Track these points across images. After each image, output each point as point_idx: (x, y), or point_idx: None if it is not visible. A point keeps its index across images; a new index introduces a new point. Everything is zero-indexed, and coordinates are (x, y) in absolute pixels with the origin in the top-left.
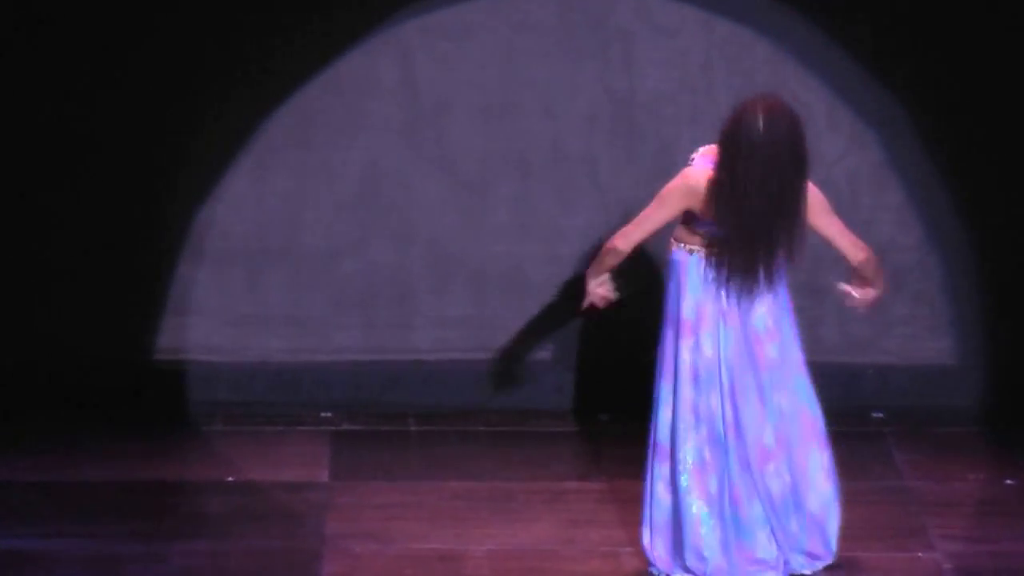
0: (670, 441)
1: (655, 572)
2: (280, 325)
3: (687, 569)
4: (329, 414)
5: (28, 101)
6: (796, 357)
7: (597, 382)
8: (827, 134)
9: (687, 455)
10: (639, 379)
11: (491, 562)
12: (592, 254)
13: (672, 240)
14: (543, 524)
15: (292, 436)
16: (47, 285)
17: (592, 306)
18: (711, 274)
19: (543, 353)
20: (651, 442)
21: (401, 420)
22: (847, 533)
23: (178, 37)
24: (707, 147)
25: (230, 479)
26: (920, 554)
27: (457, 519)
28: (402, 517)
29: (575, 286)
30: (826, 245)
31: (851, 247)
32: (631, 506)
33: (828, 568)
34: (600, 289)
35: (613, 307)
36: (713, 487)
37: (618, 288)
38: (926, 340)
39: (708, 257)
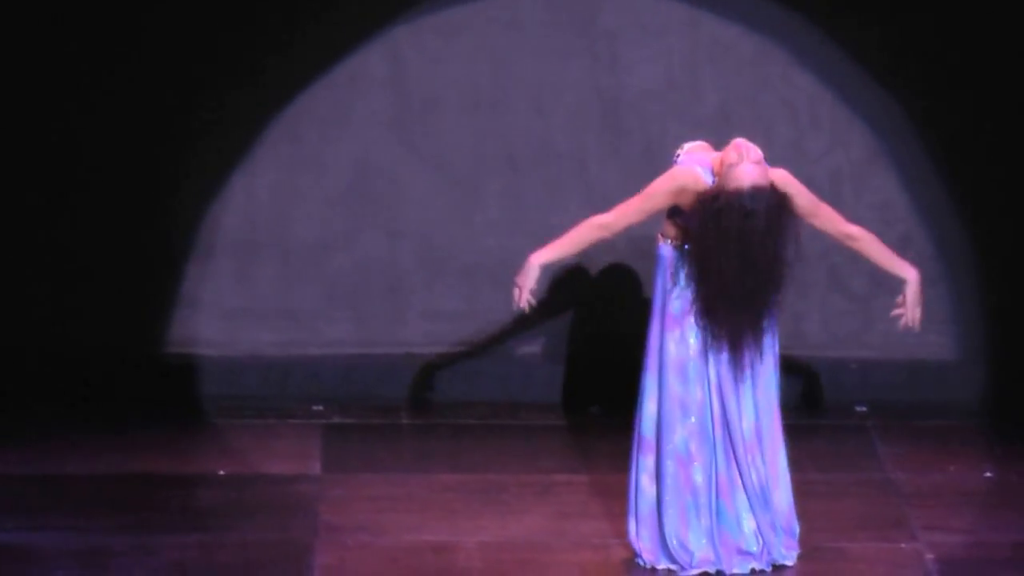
0: (655, 433)
1: (642, 563)
2: (271, 319)
3: (673, 560)
4: (320, 407)
5: (28, 101)
6: (773, 353)
7: (587, 376)
8: (810, 132)
9: (674, 446)
10: (629, 373)
11: (482, 554)
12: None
13: (659, 235)
14: (534, 516)
15: (284, 429)
16: (34, 279)
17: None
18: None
19: (533, 347)
20: (636, 434)
21: (393, 413)
22: (831, 524)
23: (171, 35)
24: (692, 143)
25: (221, 472)
26: (903, 544)
27: (448, 511)
28: (394, 509)
29: (565, 280)
30: (808, 242)
31: (846, 237)
32: (621, 499)
33: (812, 558)
34: (528, 294)
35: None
36: (699, 478)
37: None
38: (908, 335)
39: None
